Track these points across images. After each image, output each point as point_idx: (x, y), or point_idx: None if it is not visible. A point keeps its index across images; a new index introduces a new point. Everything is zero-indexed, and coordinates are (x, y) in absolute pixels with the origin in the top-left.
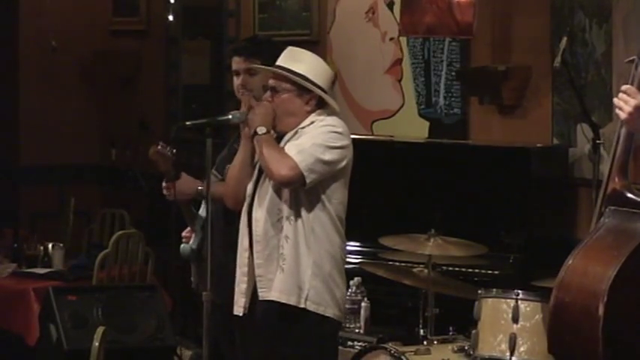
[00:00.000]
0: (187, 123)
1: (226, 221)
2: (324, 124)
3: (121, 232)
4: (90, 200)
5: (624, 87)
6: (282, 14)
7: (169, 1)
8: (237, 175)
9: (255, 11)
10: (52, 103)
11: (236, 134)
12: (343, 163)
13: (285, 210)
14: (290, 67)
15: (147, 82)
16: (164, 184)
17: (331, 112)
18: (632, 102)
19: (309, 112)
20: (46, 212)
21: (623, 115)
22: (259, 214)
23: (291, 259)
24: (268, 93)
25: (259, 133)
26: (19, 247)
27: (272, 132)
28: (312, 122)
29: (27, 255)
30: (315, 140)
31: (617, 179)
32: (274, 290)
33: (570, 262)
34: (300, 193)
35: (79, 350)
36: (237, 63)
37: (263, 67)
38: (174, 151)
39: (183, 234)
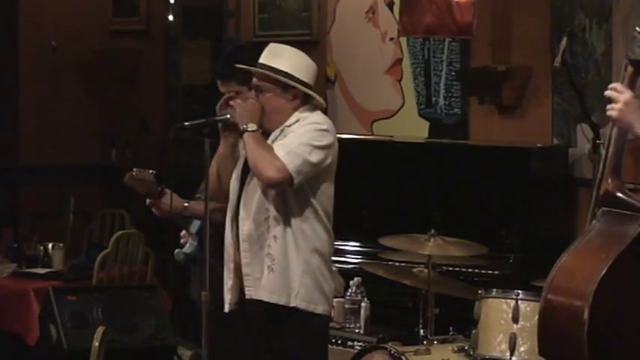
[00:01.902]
0: (186, 123)
1: (219, 232)
2: (309, 121)
3: (121, 232)
4: (90, 200)
5: (612, 85)
6: (282, 14)
7: (169, 1)
8: (218, 168)
9: (255, 11)
10: (52, 103)
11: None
12: (329, 161)
13: (272, 210)
14: (271, 65)
15: (147, 82)
16: (148, 201)
17: (315, 107)
18: (622, 97)
19: (295, 109)
20: (46, 212)
21: (614, 114)
22: (246, 212)
23: (280, 259)
24: (253, 92)
25: (249, 129)
26: (19, 247)
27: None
28: (297, 120)
29: (27, 255)
30: (301, 139)
31: (609, 180)
32: (263, 290)
33: (560, 263)
34: (288, 193)
35: (79, 350)
36: (219, 86)
37: (245, 67)
38: (154, 172)
39: (182, 235)
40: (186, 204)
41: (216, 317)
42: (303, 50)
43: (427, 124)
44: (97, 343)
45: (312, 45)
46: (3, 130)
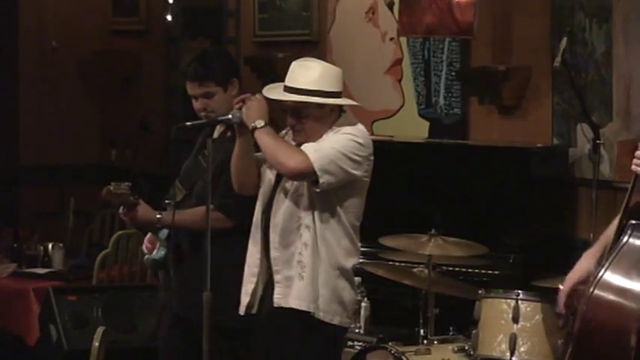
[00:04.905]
0: (187, 123)
1: (191, 242)
2: (344, 132)
3: (121, 232)
4: (90, 200)
5: None
6: (282, 14)
7: (169, 1)
8: (238, 165)
9: (255, 11)
10: (52, 103)
11: (199, 144)
12: (359, 174)
13: (305, 217)
14: (303, 87)
15: (147, 82)
16: (121, 211)
17: (349, 117)
18: None
19: (334, 121)
20: (46, 212)
21: None
22: (277, 219)
23: (310, 267)
24: (290, 119)
25: (258, 126)
26: (19, 247)
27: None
28: (331, 130)
29: (27, 255)
30: (334, 145)
31: None
32: (293, 297)
33: (600, 277)
34: (316, 200)
35: (79, 350)
36: (192, 89)
37: (279, 97)
38: (129, 184)
39: (147, 240)
40: (158, 215)
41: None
42: (303, 50)
43: (427, 124)
44: (97, 343)
45: (312, 45)
46: (3, 130)
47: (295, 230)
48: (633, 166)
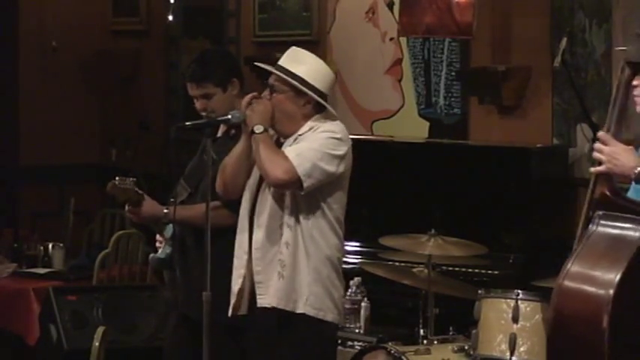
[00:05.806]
0: (187, 123)
1: (197, 240)
2: (323, 129)
3: (121, 232)
4: (90, 200)
5: (599, 134)
6: (282, 14)
7: (169, 1)
8: (232, 168)
9: (255, 11)
10: (52, 103)
11: (203, 143)
12: (342, 170)
13: (286, 216)
14: (289, 69)
15: (147, 82)
16: (127, 208)
17: (329, 117)
18: (606, 149)
19: (307, 116)
20: (46, 212)
21: (603, 169)
22: (261, 220)
23: (290, 266)
24: (267, 91)
25: (257, 132)
26: (19, 247)
27: (271, 132)
28: (310, 128)
29: (27, 255)
30: (313, 145)
31: (605, 183)
32: (273, 297)
33: (567, 269)
34: (299, 199)
35: (79, 350)
36: (191, 89)
37: (264, 65)
38: (134, 180)
39: (158, 239)
40: (165, 210)
41: (196, 329)
42: None
43: (427, 124)
44: (97, 343)
45: (312, 45)
46: (3, 130)
47: (278, 229)
48: (591, 169)
